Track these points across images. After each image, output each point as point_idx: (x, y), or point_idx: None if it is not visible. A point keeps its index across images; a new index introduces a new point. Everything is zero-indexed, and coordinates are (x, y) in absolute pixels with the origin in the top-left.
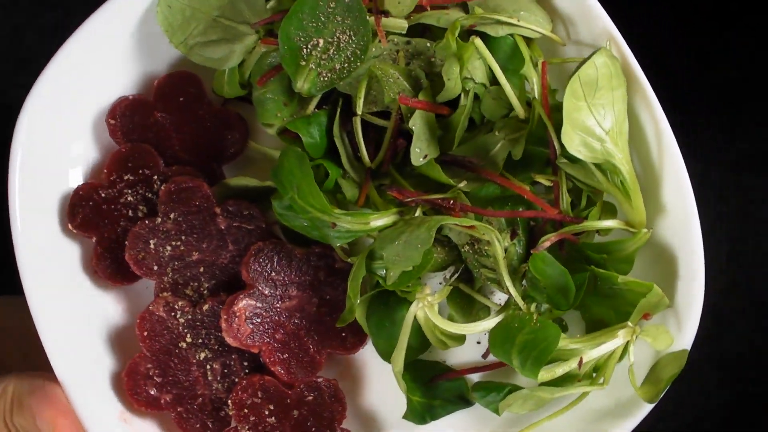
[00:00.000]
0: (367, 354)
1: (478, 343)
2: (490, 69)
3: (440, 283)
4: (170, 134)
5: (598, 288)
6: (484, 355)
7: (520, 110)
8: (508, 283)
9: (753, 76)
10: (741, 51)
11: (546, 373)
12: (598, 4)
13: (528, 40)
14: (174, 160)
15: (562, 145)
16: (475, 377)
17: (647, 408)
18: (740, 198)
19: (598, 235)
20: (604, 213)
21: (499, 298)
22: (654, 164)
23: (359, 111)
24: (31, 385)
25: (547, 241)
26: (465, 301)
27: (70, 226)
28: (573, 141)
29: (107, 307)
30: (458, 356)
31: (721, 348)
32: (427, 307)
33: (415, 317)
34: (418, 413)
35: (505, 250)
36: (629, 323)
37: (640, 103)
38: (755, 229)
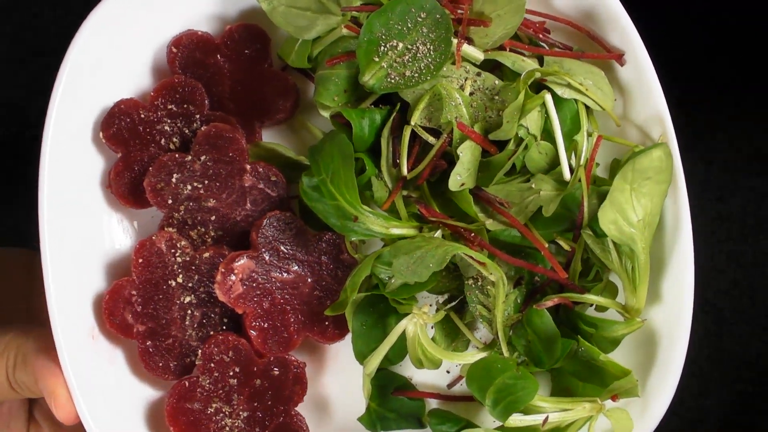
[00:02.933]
0: (341, 348)
1: (448, 372)
2: (545, 124)
3: (431, 305)
4: (224, 80)
5: (577, 357)
6: (450, 385)
7: (566, 173)
8: (500, 327)
9: (753, 74)
10: (742, 49)
11: (513, 420)
12: (660, 89)
13: (587, 109)
14: (220, 107)
15: (590, 217)
16: (433, 403)
17: None
18: (740, 198)
19: (593, 309)
20: (606, 291)
21: (482, 335)
22: (664, 255)
23: (413, 121)
24: (36, 344)
25: (550, 301)
26: (451, 330)
27: (101, 136)
28: (607, 217)
29: (111, 224)
30: (425, 377)
31: (721, 348)
32: (419, 324)
33: (404, 330)
34: (371, 420)
35: (506, 296)
36: (598, 399)
37: (670, 196)
38: (755, 229)
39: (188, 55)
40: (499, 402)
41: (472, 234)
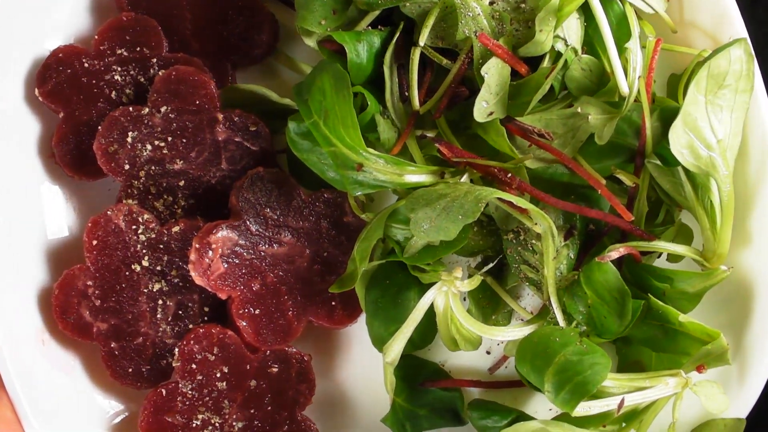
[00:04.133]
0: (353, 333)
1: (488, 353)
2: (587, 35)
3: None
4: (185, 15)
5: (648, 322)
6: (492, 369)
7: (622, 86)
8: (552, 290)
9: None
10: None
11: (579, 409)
12: None
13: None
14: (181, 47)
15: (655, 143)
16: (473, 393)
17: None
18: None
19: (664, 261)
20: (680, 236)
21: (528, 305)
22: (749, 186)
23: (422, 42)
24: None
25: (615, 251)
26: (488, 301)
27: (37, 92)
28: (679, 139)
29: (55, 203)
30: (460, 361)
31: None
32: (450, 294)
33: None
34: (398, 420)
35: (556, 251)
36: (681, 372)
37: (752, 109)
38: None
39: None
40: (563, 386)
41: (509, 175)
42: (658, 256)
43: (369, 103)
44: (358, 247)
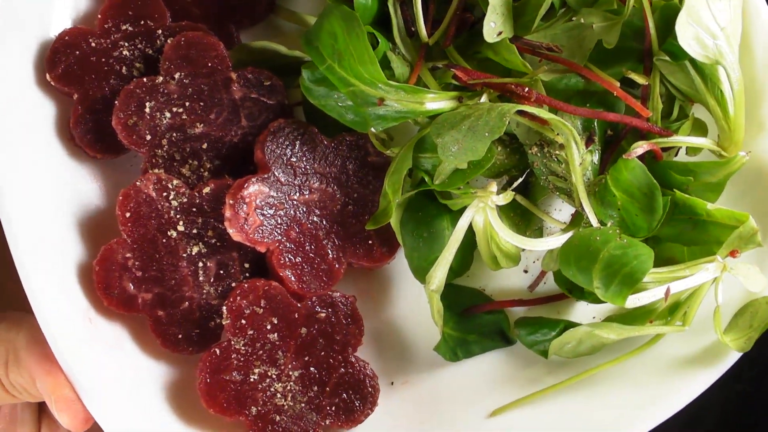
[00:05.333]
0: (393, 270)
1: (525, 271)
2: None
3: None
4: None
5: (675, 218)
6: (531, 287)
7: None
8: (582, 193)
9: None
10: None
11: (630, 301)
12: None
13: None
14: (184, 15)
15: (661, 41)
16: (517, 313)
17: (733, 358)
18: None
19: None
20: (695, 130)
21: (559, 219)
22: (757, 75)
23: None
24: (29, 336)
25: (640, 147)
26: (519, 218)
27: (48, 77)
28: (686, 32)
29: (81, 184)
30: (499, 284)
31: None
32: (488, 210)
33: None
34: (450, 347)
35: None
36: (718, 257)
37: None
38: None
39: None
40: (612, 279)
41: (526, 89)
42: (676, 154)
43: (380, 41)
44: (388, 180)
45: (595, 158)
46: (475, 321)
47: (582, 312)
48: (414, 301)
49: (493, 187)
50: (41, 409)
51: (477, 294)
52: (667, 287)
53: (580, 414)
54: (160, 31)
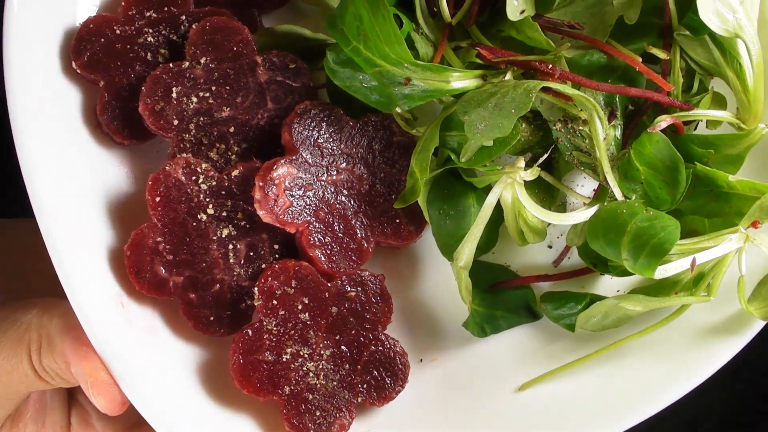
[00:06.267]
0: (419, 248)
1: (549, 247)
2: None
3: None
4: None
5: (697, 191)
6: (556, 262)
7: None
8: (607, 167)
9: None
10: None
11: (657, 273)
12: None
13: None
14: (207, 1)
15: (680, 15)
16: (543, 288)
17: (757, 327)
18: None
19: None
20: (714, 104)
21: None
22: None
23: None
24: (62, 321)
25: (663, 122)
26: (544, 194)
27: (74, 65)
28: (707, 6)
29: (109, 171)
30: (525, 260)
31: None
32: (516, 185)
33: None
34: (477, 323)
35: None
36: (740, 228)
37: None
38: None
39: None
40: (640, 251)
41: (550, 66)
42: (695, 128)
43: (404, 22)
44: (415, 159)
45: (618, 133)
46: (502, 297)
47: (607, 285)
48: (442, 279)
49: (521, 162)
50: (71, 395)
51: (503, 270)
52: (693, 258)
53: (607, 387)
54: (183, 17)
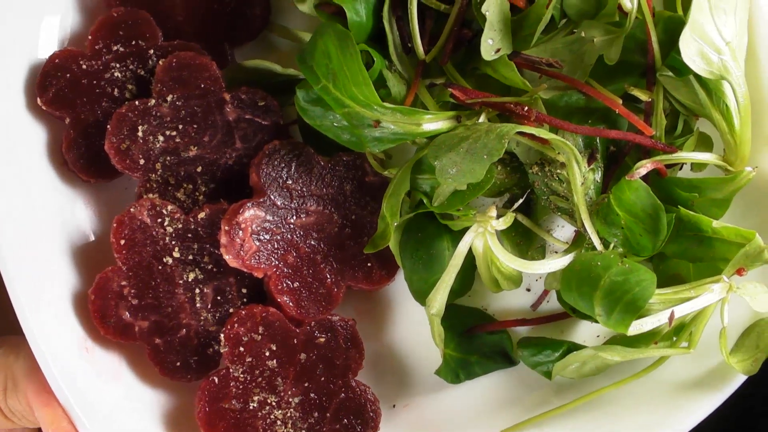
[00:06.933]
0: (392, 292)
1: (528, 290)
2: None
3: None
4: (175, 1)
5: (680, 235)
6: (534, 306)
7: (624, 1)
8: (584, 214)
9: None
10: None
11: (633, 328)
12: None
13: None
14: (176, 34)
15: (663, 56)
16: (520, 333)
17: (739, 380)
18: None
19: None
20: (700, 145)
21: (560, 237)
22: (763, 88)
23: None
24: (27, 363)
25: (643, 168)
26: (521, 238)
27: (39, 102)
28: (690, 48)
29: (75, 210)
30: (502, 304)
31: None
32: (487, 234)
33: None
34: (452, 369)
35: (583, 177)
36: (723, 277)
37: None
38: None
39: None
40: (613, 307)
41: (525, 108)
42: (680, 169)
43: (375, 59)
44: (386, 203)
45: (598, 176)
46: (477, 341)
47: (586, 330)
48: (415, 323)
49: (493, 211)
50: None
51: (479, 314)
52: (671, 312)
53: None
54: (152, 51)
